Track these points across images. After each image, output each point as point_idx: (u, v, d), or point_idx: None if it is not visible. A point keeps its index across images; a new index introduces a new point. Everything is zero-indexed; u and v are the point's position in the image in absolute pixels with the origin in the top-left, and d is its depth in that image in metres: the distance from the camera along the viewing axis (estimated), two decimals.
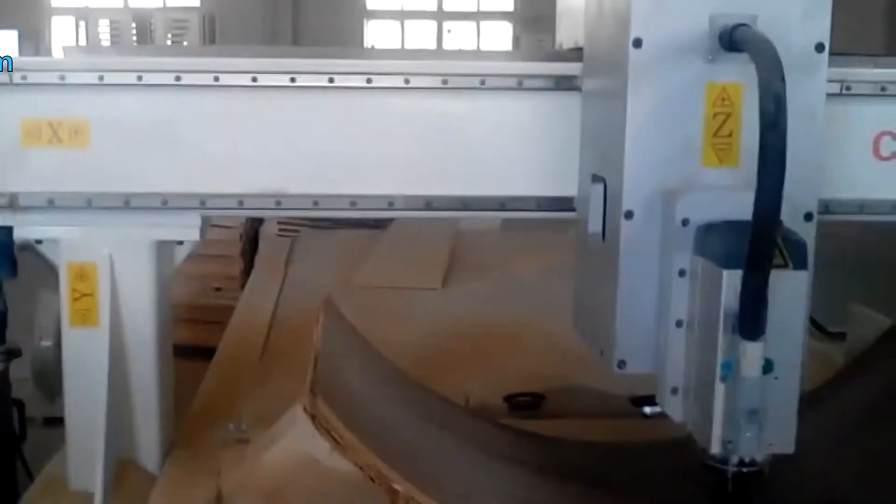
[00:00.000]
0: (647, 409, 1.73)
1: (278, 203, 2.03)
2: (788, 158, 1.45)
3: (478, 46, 12.25)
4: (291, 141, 2.02)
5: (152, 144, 2.01)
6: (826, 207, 2.05)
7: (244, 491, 1.94)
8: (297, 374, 1.83)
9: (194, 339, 3.32)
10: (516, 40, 11.87)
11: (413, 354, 2.57)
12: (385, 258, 3.99)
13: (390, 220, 4.79)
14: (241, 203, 2.03)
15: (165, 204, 2.03)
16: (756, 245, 1.43)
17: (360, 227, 4.91)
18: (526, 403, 2.52)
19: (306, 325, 2.10)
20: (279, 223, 4.90)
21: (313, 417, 1.48)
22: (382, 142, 2.03)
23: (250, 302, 3.48)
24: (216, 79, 1.98)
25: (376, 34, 12.12)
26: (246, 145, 2.02)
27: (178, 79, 1.98)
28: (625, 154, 1.66)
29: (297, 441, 1.97)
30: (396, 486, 1.47)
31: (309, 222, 4.96)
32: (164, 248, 2.12)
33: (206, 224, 2.13)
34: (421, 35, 12.25)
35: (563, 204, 2.02)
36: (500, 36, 12.25)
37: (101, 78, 1.98)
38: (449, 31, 12.25)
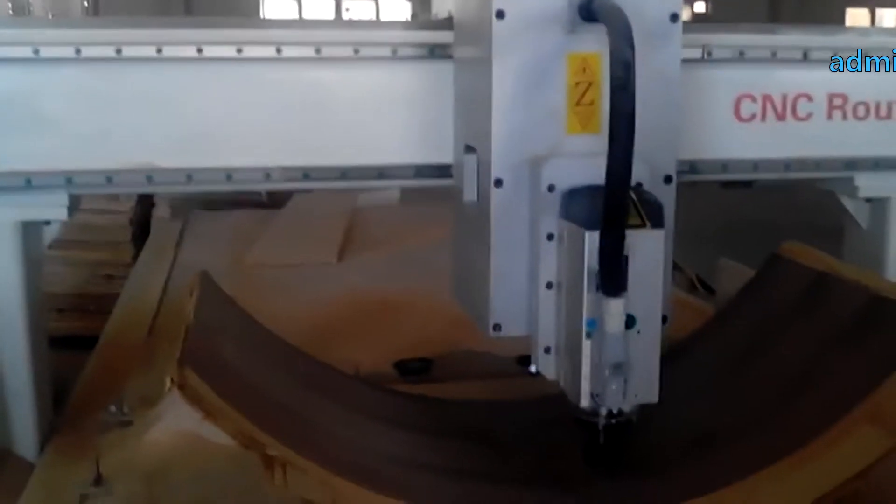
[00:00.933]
0: (533, 368, 1.77)
1: (149, 178, 1.98)
2: (645, 124, 1.51)
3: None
4: (160, 114, 1.96)
5: (12, 121, 1.93)
6: (691, 167, 2.15)
7: (125, 472, 1.90)
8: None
9: (84, 329, 3.21)
10: (414, 17, 11.84)
11: (304, 328, 2.56)
12: (279, 236, 3.95)
13: (287, 199, 4.74)
14: (109, 179, 1.97)
15: (29, 183, 1.94)
16: (610, 205, 1.49)
17: (256, 206, 4.84)
18: (415, 368, 2.55)
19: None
20: (171, 205, 4.77)
21: (181, 388, 1.46)
22: (256, 113, 2.00)
23: (137, 286, 3.38)
24: (77, 51, 1.90)
25: (273, 12, 11.88)
26: (112, 119, 1.95)
27: (36, 52, 1.89)
28: (492, 123, 1.70)
29: (178, 418, 1.95)
30: (271, 452, 1.47)
31: (202, 203, 4.85)
32: (31, 230, 2.04)
33: (76, 202, 2.06)
34: (319, 13, 12.06)
35: (442, 171, 2.04)
36: (398, 14, 12.19)
37: None
38: (347, 9, 12.11)
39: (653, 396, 1.63)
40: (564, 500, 1.81)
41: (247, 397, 1.64)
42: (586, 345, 1.59)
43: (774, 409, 1.91)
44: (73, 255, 4.07)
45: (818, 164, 2.27)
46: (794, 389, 1.92)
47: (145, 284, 3.36)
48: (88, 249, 4.20)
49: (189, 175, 2.00)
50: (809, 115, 2.23)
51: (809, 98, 2.22)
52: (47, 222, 2.06)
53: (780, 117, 2.21)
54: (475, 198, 1.81)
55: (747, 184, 2.45)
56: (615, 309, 1.55)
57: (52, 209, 2.00)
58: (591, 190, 1.60)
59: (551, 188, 1.66)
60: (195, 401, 1.46)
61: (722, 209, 5.85)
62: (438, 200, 2.93)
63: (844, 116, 2.25)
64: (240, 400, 1.56)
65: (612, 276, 1.54)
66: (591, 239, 1.55)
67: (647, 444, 1.79)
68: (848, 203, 2.42)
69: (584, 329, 1.58)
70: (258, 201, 4.96)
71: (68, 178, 1.96)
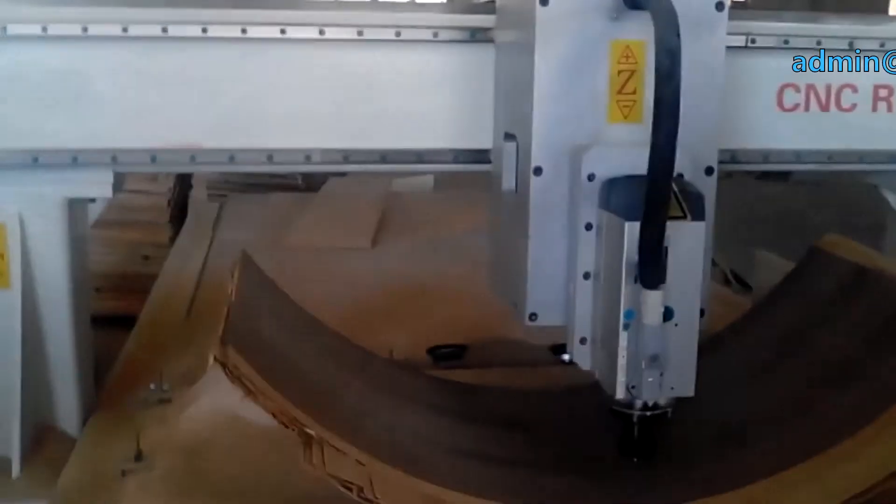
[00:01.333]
0: (567, 356, 1.77)
1: (193, 158, 2.00)
2: (688, 114, 1.49)
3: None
4: (204, 94, 1.98)
5: (60, 99, 1.95)
6: (732, 157, 2.13)
7: (165, 448, 1.95)
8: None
9: (122, 309, 3.27)
10: (452, 1, 11.77)
11: (339, 311, 2.57)
12: (315, 220, 3.98)
13: (321, 182, 4.77)
14: (153, 159, 1.99)
15: (76, 160, 1.97)
16: (652, 196, 1.48)
17: (291, 190, 4.88)
18: (449, 354, 2.55)
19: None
20: (208, 188, 4.83)
21: (224, 366, 1.48)
22: (298, 95, 2.00)
23: (176, 266, 3.43)
24: (125, 30, 1.92)
25: None
26: (157, 99, 1.97)
27: (84, 30, 1.92)
28: (533, 111, 1.69)
29: (217, 396, 1.98)
30: (309, 431, 1.49)
31: (239, 186, 4.91)
32: (76, 206, 2.08)
33: (120, 180, 2.09)
34: None
35: (480, 156, 2.04)
36: None
37: (4, 30, 1.90)
38: None
39: (689, 390, 1.62)
40: (593, 487, 1.82)
41: (286, 377, 1.66)
42: (623, 336, 1.58)
43: (811, 404, 1.89)
44: (111, 236, 4.14)
45: (862, 156, 2.23)
46: (831, 384, 1.90)
47: (184, 265, 3.41)
48: (127, 230, 4.27)
49: (231, 155, 2.01)
50: (854, 106, 2.19)
51: (854, 89, 2.18)
52: (92, 200, 2.09)
53: (824, 108, 2.18)
54: (514, 186, 1.80)
55: (783, 176, 2.42)
56: (653, 301, 1.54)
57: (98, 186, 2.03)
58: (631, 180, 1.59)
59: (591, 177, 1.65)
60: (237, 379, 1.48)
61: (753, 203, 5.78)
62: (471, 187, 2.93)
63: (890, 108, 2.20)
64: (279, 379, 1.58)
65: (652, 268, 1.53)
66: (631, 230, 1.54)
67: (680, 436, 1.78)
68: (891, 197, 2.38)
69: (622, 320, 1.57)
70: (294, 184, 5.00)
71: (113, 156, 1.98)
